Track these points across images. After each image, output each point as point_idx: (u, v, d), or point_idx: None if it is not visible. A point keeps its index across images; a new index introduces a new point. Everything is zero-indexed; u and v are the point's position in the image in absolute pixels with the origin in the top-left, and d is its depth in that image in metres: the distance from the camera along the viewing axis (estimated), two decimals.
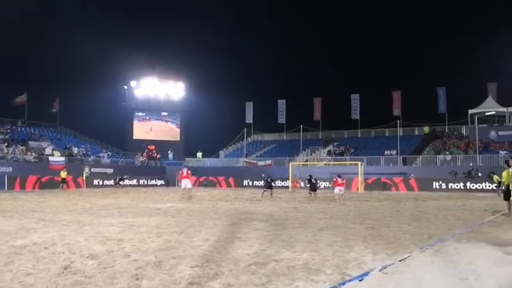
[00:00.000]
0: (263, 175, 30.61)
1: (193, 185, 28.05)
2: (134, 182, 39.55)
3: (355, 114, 49.14)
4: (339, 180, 24.17)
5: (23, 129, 43.82)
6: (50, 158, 36.87)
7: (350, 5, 61.60)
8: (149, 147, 50.39)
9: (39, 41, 55.43)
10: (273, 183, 27.59)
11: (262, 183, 30.66)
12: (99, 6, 56.17)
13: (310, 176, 26.32)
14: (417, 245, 8.62)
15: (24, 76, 51.29)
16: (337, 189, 23.68)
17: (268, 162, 43.76)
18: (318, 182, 27.95)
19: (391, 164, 39.28)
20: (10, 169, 33.08)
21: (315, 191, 24.90)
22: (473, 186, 32.38)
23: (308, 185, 27.21)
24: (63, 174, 32.49)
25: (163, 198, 24.17)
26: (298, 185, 34.56)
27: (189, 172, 24.50)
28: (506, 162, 14.89)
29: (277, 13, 62.06)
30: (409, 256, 7.48)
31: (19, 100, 44.41)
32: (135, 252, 7.70)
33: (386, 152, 41.42)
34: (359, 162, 35.50)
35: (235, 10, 60.43)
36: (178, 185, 34.62)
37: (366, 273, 6.19)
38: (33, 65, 54.47)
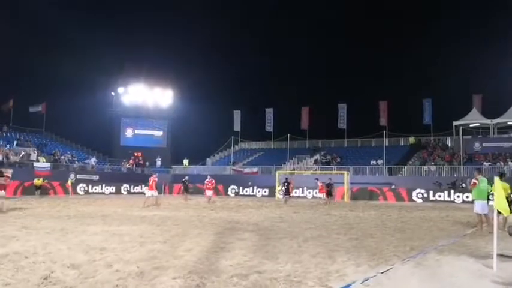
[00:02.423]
0: (283, 179, 31.00)
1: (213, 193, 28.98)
2: (114, 189, 39.13)
3: (342, 124, 49.46)
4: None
5: (9, 134, 43.33)
6: (35, 164, 36.46)
7: (338, 15, 62.16)
8: (136, 154, 50.12)
9: (27, 46, 55.08)
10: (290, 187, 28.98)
11: (281, 188, 31.39)
12: (87, 11, 55.97)
13: (286, 178, 27.70)
14: (399, 257, 8.68)
15: (10, 81, 50.78)
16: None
17: (255, 170, 43.77)
18: (291, 184, 29.41)
19: (376, 174, 39.51)
20: None
21: (289, 195, 26.48)
22: (457, 197, 32.66)
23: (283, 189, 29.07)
24: (38, 181, 32.07)
25: (149, 206, 23.99)
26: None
27: (155, 180, 24.55)
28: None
29: (266, 22, 62.42)
30: (391, 268, 7.54)
31: (5, 106, 43.99)
32: (117, 262, 7.66)
33: (372, 162, 41.69)
34: (345, 172, 35.68)
35: (224, 18, 60.64)
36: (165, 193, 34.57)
37: (348, 286, 6.23)
38: (19, 71, 53.96)
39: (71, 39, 53.46)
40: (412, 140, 46.09)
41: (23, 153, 37.59)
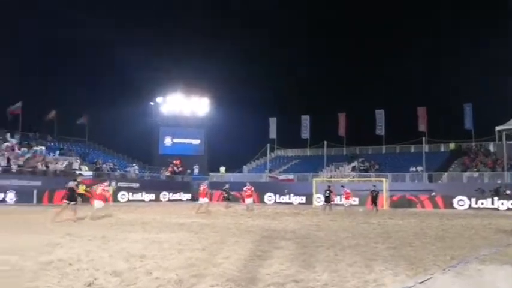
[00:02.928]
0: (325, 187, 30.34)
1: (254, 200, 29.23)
2: (154, 196, 39.84)
3: (380, 130, 48.78)
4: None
5: (53, 144, 44.86)
6: (78, 173, 37.56)
7: (375, 21, 61.45)
8: (174, 161, 50.96)
9: (68, 58, 57.06)
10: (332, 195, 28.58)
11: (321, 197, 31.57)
12: (124, 23, 57.48)
13: (328, 186, 28.62)
14: (439, 266, 8.53)
15: (53, 93, 52.58)
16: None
17: (291, 177, 43.71)
18: (333, 192, 28.77)
19: (416, 181, 38.79)
20: (39, 183, 33.87)
21: (329, 203, 27.38)
22: (501, 204, 31.65)
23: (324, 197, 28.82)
24: (81, 189, 32.31)
25: (188, 213, 24.38)
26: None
27: (206, 188, 25.17)
28: None
29: (301, 29, 62.41)
30: (430, 278, 7.43)
31: (50, 116, 45.56)
32: (157, 269, 7.84)
33: (411, 169, 40.95)
34: (384, 179, 35.16)
35: (259, 27, 60.99)
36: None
37: None
38: (62, 82, 55.87)
39: (110, 52, 54.90)
40: (452, 145, 45.03)
41: (66, 162, 38.81)
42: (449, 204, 32.89)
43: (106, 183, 22.77)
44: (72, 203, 18.61)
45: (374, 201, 28.01)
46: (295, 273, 7.68)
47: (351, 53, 62.78)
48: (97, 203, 20.44)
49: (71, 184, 19.15)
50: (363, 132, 50.80)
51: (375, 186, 29.72)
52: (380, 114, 48.93)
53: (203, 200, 24.56)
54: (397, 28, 59.76)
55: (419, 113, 46.51)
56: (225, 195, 31.90)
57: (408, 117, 47.77)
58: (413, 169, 40.78)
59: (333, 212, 26.94)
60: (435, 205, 33.45)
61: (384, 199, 33.69)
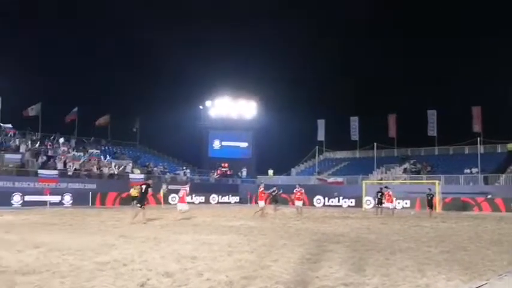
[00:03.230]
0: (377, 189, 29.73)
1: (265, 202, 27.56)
2: (203, 199, 40.46)
3: (432, 131, 47.47)
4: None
5: (107, 148, 46.45)
6: (130, 175, 38.71)
7: (427, 20, 59.86)
8: (223, 164, 51.61)
9: (119, 64, 58.95)
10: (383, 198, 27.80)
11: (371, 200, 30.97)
12: (177, 32, 58.73)
13: (381, 188, 27.55)
14: (495, 271, 8.24)
15: (107, 99, 54.49)
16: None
17: (340, 180, 43.22)
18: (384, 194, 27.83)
19: (471, 183, 37.42)
20: (94, 186, 35.15)
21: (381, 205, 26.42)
22: None
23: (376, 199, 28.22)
24: (134, 191, 32.60)
25: (236, 215, 24.62)
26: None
27: (263, 191, 25.13)
28: None
29: (350, 29, 61.63)
30: (485, 284, 7.20)
31: (103, 121, 47.22)
32: (207, 271, 7.99)
33: (466, 171, 39.56)
34: (436, 181, 34.15)
35: (307, 28, 60.72)
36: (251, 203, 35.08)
37: None
38: (114, 88, 57.81)
39: (160, 58, 56.35)
40: (510, 146, 43.17)
41: (122, 166, 40.09)
42: (506, 208, 31.57)
43: (187, 186, 23.51)
44: (139, 205, 19.52)
45: (430, 204, 27.26)
46: (344, 276, 7.63)
47: (401, 52, 61.47)
48: (181, 206, 21.73)
49: (143, 188, 19.96)
50: (415, 133, 49.54)
51: (430, 189, 28.87)
52: (432, 115, 47.60)
53: (261, 203, 24.43)
54: (452, 27, 58.05)
55: (473, 113, 44.96)
56: (273, 198, 31.89)
57: (462, 117, 46.24)
58: (468, 171, 39.39)
59: (384, 214, 26.47)
60: (494, 208, 32.17)
61: (436, 201, 32.76)
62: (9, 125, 39.11)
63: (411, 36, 59.92)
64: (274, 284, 6.90)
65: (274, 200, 31.49)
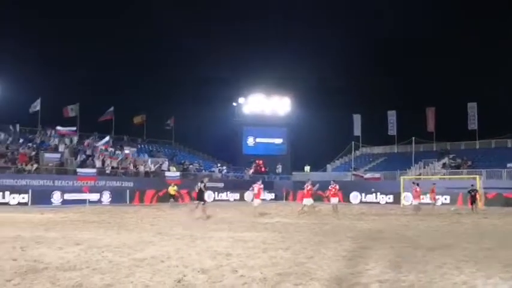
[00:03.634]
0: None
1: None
2: (238, 196, 40.66)
3: (473, 124, 46.19)
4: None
5: (143, 146, 47.29)
6: (167, 173, 39.26)
7: (471, 12, 58.08)
8: (257, 161, 51.69)
9: (155, 63, 59.86)
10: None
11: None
12: (210, 29, 59.21)
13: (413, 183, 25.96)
14: None
15: (142, 98, 55.49)
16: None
17: (377, 175, 42.62)
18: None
19: None
20: (131, 184, 35.84)
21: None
22: None
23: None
24: (172, 189, 31.82)
25: (271, 212, 24.62)
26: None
27: (310, 187, 24.22)
28: None
29: (384, 22, 60.59)
30: None
31: (139, 120, 48.07)
32: (242, 267, 8.04)
33: (508, 165, 38.30)
34: (477, 176, 33.22)
35: (341, 23, 60.08)
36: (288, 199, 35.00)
37: None
38: (149, 87, 58.80)
39: (193, 56, 56.90)
40: None
41: (159, 164, 40.76)
42: None
43: (259, 182, 23.89)
44: (201, 202, 20.09)
45: (473, 200, 26.26)
46: (379, 273, 7.54)
47: (439, 43, 60.01)
48: (256, 201, 22.99)
49: (200, 185, 20.40)
50: (454, 127, 48.34)
51: (473, 185, 27.99)
52: (472, 108, 46.33)
53: (307, 201, 23.65)
54: (492, 17, 56.26)
55: None
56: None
57: (504, 110, 44.75)
58: (511, 165, 38.14)
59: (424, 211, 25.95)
60: None
61: (478, 197, 31.87)
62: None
63: (449, 26, 58.36)
64: (308, 281, 6.89)
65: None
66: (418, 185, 26.89)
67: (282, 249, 10.35)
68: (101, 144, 39.92)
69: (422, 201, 26.46)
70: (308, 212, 23.14)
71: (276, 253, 9.70)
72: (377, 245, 11.07)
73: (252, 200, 24.71)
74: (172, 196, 31.57)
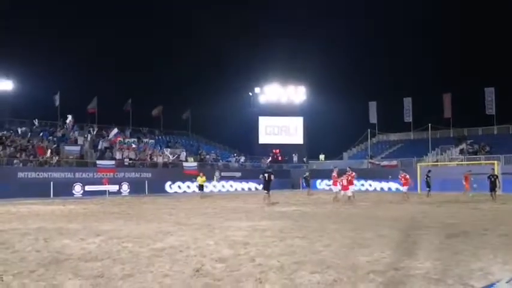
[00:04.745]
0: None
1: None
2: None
3: (491, 109, 45.56)
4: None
5: (161, 137, 47.71)
6: (184, 164, 39.62)
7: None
8: (274, 150, 51.80)
9: (170, 57, 60.09)
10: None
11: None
12: (225, 20, 59.15)
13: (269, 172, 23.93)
14: None
15: (159, 89, 55.89)
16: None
17: (394, 162, 42.40)
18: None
19: None
20: (149, 175, 36.29)
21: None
22: None
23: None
24: (201, 180, 30.68)
25: (288, 201, 24.73)
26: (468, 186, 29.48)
27: (336, 175, 24.70)
28: None
29: (398, 7, 59.84)
30: None
31: (156, 112, 48.44)
32: (259, 256, 8.17)
33: None
34: (495, 162, 32.85)
35: (355, 10, 59.52)
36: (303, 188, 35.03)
37: (491, 285, 5.91)
38: (166, 78, 59.11)
39: (209, 47, 57.01)
40: None
41: (177, 155, 41.12)
42: None
43: (350, 172, 23.86)
44: (266, 191, 22.06)
45: (493, 186, 24.76)
46: (395, 261, 7.60)
47: (455, 28, 59.11)
48: (345, 192, 23.39)
49: (261, 177, 22.51)
50: (471, 113, 47.76)
51: (493, 169, 26.94)
52: (490, 93, 45.67)
53: (336, 189, 24.23)
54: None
55: None
56: (306, 182, 31.81)
57: None
58: None
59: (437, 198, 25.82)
60: None
61: (497, 183, 31.51)
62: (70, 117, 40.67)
63: (467, 11, 57.41)
64: (324, 269, 6.98)
65: (307, 184, 31.37)
66: (405, 171, 26.93)
67: (299, 237, 10.46)
68: (111, 136, 40.23)
69: (405, 188, 25.70)
70: (336, 199, 23.59)
71: (292, 241, 9.82)
72: (393, 233, 11.11)
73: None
74: (201, 186, 30.80)
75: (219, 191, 37.77)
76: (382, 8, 59.39)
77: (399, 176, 26.45)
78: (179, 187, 36.43)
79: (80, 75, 50.18)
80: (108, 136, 40.44)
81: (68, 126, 40.13)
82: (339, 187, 24.12)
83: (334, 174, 24.58)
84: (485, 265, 7.17)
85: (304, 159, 50.81)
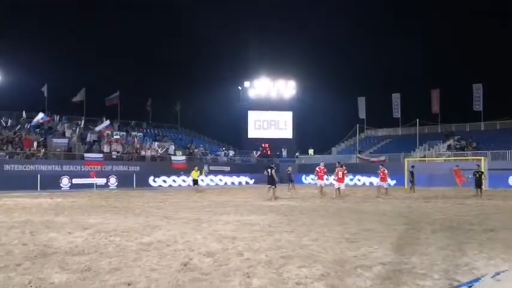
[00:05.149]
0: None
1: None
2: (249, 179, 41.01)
3: (478, 106, 46.02)
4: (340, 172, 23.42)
5: (149, 130, 47.49)
6: (173, 158, 39.49)
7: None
8: (263, 145, 51.86)
9: (160, 49, 59.69)
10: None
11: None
12: (214, 13, 58.87)
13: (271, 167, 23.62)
14: None
15: (148, 83, 55.58)
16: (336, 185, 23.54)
17: (382, 158, 42.65)
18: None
19: None
20: (138, 168, 36.12)
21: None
22: None
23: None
24: (195, 174, 29.60)
25: (277, 195, 24.72)
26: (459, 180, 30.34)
27: (325, 170, 24.90)
28: None
29: (390, 2, 59.99)
30: None
31: (147, 105, 48.27)
32: (247, 250, 8.18)
33: None
34: (482, 158, 33.22)
35: (345, 6, 59.54)
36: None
37: (476, 280, 5.96)
38: (154, 71, 58.77)
39: (198, 40, 56.72)
40: None
41: (165, 148, 40.96)
42: None
43: (343, 168, 23.81)
44: (272, 186, 22.01)
45: (479, 183, 24.18)
46: (382, 256, 7.66)
47: (444, 24, 59.42)
48: (338, 185, 23.34)
49: (270, 171, 22.35)
50: (459, 109, 48.24)
51: (478, 165, 26.46)
52: (478, 89, 46.10)
53: (320, 182, 24.43)
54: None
55: None
56: (288, 178, 32.03)
57: (509, 91, 44.55)
58: None
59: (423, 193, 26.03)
60: None
61: (482, 179, 31.82)
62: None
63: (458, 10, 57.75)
64: (312, 263, 7.02)
65: (289, 179, 31.56)
66: (384, 166, 26.87)
67: (287, 232, 10.50)
68: (101, 128, 39.87)
69: (386, 183, 25.85)
70: (322, 193, 23.76)
71: (280, 236, 9.85)
72: (380, 227, 11.19)
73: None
74: (196, 181, 29.80)
75: (207, 185, 37.68)
76: (372, 3, 59.53)
77: (378, 171, 26.27)
78: (164, 181, 36.25)
79: (68, 67, 49.68)
80: (96, 128, 40.11)
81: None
82: (324, 181, 24.46)
83: (321, 167, 24.67)
84: (470, 260, 7.25)
85: (297, 154, 50.92)
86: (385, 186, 25.55)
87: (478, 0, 55.90)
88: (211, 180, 39.24)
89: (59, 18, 54.10)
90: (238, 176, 41.09)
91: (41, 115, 37.59)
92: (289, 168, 33.44)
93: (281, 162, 48.10)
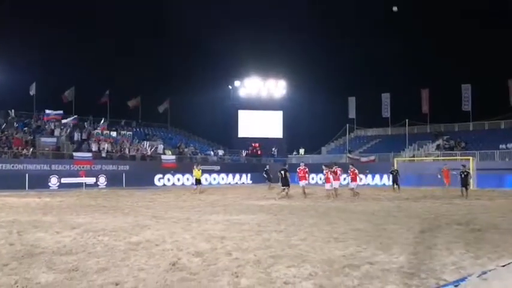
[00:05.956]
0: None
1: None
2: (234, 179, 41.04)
3: (467, 106, 46.38)
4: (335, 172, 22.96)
5: (138, 129, 47.27)
6: (163, 157, 39.36)
7: None
8: (253, 144, 51.85)
9: (148, 47, 59.40)
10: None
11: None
12: (205, 12, 58.72)
13: (284, 169, 23.63)
14: None
15: (137, 81, 55.27)
16: (327, 185, 22.98)
17: (372, 157, 42.84)
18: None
19: (507, 159, 36.52)
20: (127, 167, 35.95)
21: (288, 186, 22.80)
22: None
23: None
24: (197, 173, 28.19)
25: (267, 195, 24.81)
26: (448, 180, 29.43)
27: (306, 170, 25.18)
28: None
29: (380, 2, 60.17)
30: None
31: (134, 103, 47.98)
32: (236, 250, 8.18)
33: (501, 146, 38.59)
34: (470, 157, 33.49)
35: (336, 6, 59.65)
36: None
37: (463, 279, 6.05)
38: (144, 70, 58.46)
39: (188, 39, 56.56)
40: None
41: (154, 147, 40.77)
42: None
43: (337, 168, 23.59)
44: (270, 183, 22.89)
45: (465, 183, 23.58)
46: (371, 255, 7.69)
47: (433, 24, 59.71)
48: (328, 185, 23.04)
49: (282, 173, 22.83)
50: (448, 109, 48.51)
51: (464, 166, 25.79)
52: (466, 89, 46.46)
53: (303, 183, 24.37)
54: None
55: (510, 86, 43.59)
56: (267, 176, 32.12)
57: (497, 91, 44.90)
58: (504, 146, 38.42)
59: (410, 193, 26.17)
60: None
61: (470, 179, 32.04)
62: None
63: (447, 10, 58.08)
64: (300, 263, 7.03)
65: (267, 178, 31.62)
66: (353, 165, 26.21)
67: (276, 231, 10.50)
68: (68, 121, 39.40)
69: (356, 184, 24.84)
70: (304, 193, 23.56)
71: (269, 235, 9.85)
72: (369, 227, 11.24)
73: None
74: (199, 180, 28.56)
75: None
76: (362, 4, 59.68)
77: (348, 171, 25.25)
78: (154, 180, 36.13)
79: (56, 66, 49.25)
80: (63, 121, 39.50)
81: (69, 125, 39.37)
82: (305, 182, 24.67)
83: (301, 168, 24.84)
84: (457, 259, 7.30)
85: (292, 154, 50.99)
86: (352, 187, 24.49)
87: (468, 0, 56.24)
88: (203, 180, 39.12)
89: (48, 16, 53.65)
90: (227, 176, 41.03)
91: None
92: (267, 166, 33.59)
93: (275, 162, 48.22)
